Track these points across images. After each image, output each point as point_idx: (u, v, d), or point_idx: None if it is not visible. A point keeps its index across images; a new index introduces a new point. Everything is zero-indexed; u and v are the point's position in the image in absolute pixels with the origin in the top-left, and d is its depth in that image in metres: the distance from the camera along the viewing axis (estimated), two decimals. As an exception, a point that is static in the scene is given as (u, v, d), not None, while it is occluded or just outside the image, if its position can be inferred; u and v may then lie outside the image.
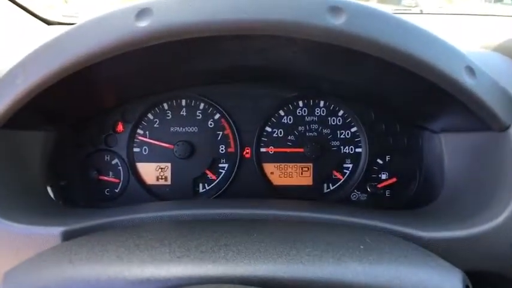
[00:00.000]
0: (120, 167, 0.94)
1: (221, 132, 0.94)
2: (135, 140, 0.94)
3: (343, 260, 0.49)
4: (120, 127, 0.94)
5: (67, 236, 0.64)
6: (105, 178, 0.94)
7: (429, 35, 0.60)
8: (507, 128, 0.65)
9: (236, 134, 0.92)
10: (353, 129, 0.93)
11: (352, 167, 0.93)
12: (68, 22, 1.31)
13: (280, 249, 0.51)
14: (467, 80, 0.60)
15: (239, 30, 0.59)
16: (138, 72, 0.77)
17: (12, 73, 0.66)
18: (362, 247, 0.54)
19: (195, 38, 0.59)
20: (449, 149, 0.81)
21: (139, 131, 0.94)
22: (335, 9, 0.56)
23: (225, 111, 0.93)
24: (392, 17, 0.59)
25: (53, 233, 0.65)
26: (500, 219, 0.62)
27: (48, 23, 1.29)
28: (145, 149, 0.94)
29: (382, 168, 0.92)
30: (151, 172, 0.94)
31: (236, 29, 0.58)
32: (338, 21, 0.56)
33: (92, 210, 0.74)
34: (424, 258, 0.53)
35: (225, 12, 0.57)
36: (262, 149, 0.93)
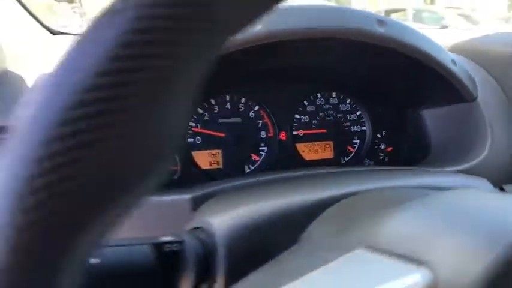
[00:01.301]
0: (177, 156, 1.08)
1: (261, 121, 1.14)
2: (189, 131, 1.09)
3: (389, 178, 0.73)
4: (175, 121, 1.08)
5: (196, 201, 0.78)
6: (165, 166, 1.07)
7: (430, 39, 0.93)
8: (475, 98, 1.00)
9: (274, 121, 1.14)
10: (358, 113, 1.21)
11: (360, 142, 1.21)
12: (70, 32, 1.37)
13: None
14: (453, 67, 0.94)
15: (324, 34, 0.84)
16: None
17: None
18: None
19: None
20: (432, 120, 1.15)
21: (192, 124, 1.10)
22: (380, 22, 0.85)
23: (264, 104, 1.14)
24: (409, 27, 0.91)
25: (184, 198, 0.78)
26: (480, 159, 0.96)
27: (52, 32, 1.33)
28: (198, 139, 1.10)
29: (381, 141, 1.22)
30: (204, 158, 1.10)
31: (322, 34, 0.84)
32: (382, 29, 0.85)
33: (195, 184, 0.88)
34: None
35: (317, 22, 0.82)
36: (295, 132, 1.16)
